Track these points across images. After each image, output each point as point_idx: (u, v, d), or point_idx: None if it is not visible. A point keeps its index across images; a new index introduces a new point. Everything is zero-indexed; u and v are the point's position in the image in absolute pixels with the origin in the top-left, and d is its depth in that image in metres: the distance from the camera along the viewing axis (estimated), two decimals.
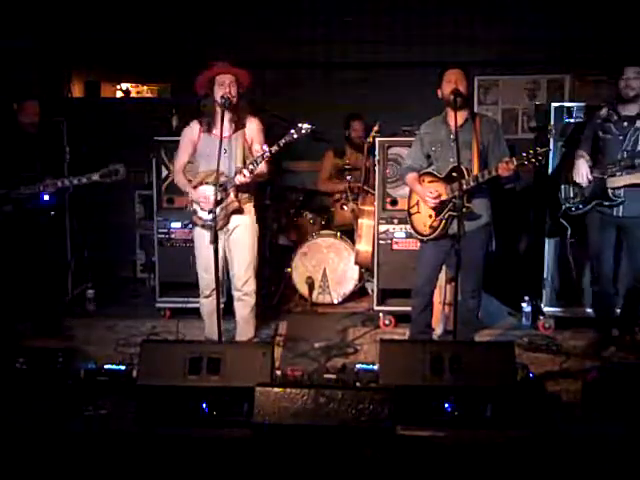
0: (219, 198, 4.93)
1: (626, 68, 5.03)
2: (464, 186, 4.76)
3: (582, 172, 5.14)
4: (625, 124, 5.07)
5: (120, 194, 7.58)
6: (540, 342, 5.80)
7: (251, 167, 4.96)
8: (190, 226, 5.35)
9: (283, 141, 4.90)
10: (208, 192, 4.99)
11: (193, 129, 5.24)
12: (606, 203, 5.16)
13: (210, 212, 4.78)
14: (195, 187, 5.17)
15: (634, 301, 5.45)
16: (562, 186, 5.43)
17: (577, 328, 5.96)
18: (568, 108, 5.96)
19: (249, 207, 5.27)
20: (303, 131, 4.85)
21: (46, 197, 5.80)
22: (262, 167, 5.09)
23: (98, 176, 5.40)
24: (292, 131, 4.86)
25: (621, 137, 5.09)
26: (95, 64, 8.31)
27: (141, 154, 6.78)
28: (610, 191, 5.11)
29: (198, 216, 5.15)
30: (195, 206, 5.19)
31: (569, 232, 5.55)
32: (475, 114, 5.15)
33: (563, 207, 5.43)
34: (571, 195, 5.37)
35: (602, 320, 5.55)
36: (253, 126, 5.22)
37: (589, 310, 5.86)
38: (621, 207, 5.12)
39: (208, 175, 5.06)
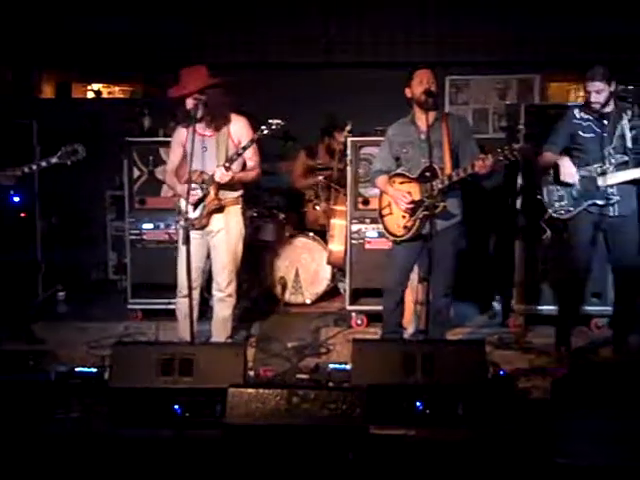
0: (201, 196, 5.02)
1: (588, 83, 4.96)
2: (439, 185, 4.80)
3: (571, 171, 5.03)
4: (606, 122, 5.00)
5: (91, 195, 7.55)
6: (510, 340, 5.85)
7: (227, 164, 4.98)
8: (177, 224, 5.37)
9: (254, 137, 4.97)
10: (192, 189, 4.99)
11: (181, 131, 5.27)
12: (600, 203, 5.03)
13: (194, 209, 4.81)
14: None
15: (626, 302, 5.29)
16: (545, 188, 5.26)
17: (546, 326, 6.01)
18: (538, 108, 6.03)
19: (236, 209, 5.28)
20: (273, 127, 4.87)
21: (16, 199, 5.76)
22: (253, 172, 5.22)
23: (56, 158, 5.30)
24: (263, 127, 4.89)
25: (605, 135, 5.01)
26: (66, 64, 8.25)
27: (113, 155, 6.75)
28: (602, 190, 5.00)
29: (183, 214, 5.15)
30: (181, 204, 5.19)
31: (547, 233, 5.50)
32: (443, 113, 5.16)
33: (550, 211, 5.24)
34: (556, 198, 5.20)
35: (569, 317, 5.52)
36: (239, 125, 5.21)
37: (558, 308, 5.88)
38: (615, 206, 5.03)
39: (192, 174, 5.07)
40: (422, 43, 7.69)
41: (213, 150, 5.14)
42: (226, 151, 5.13)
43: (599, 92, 4.94)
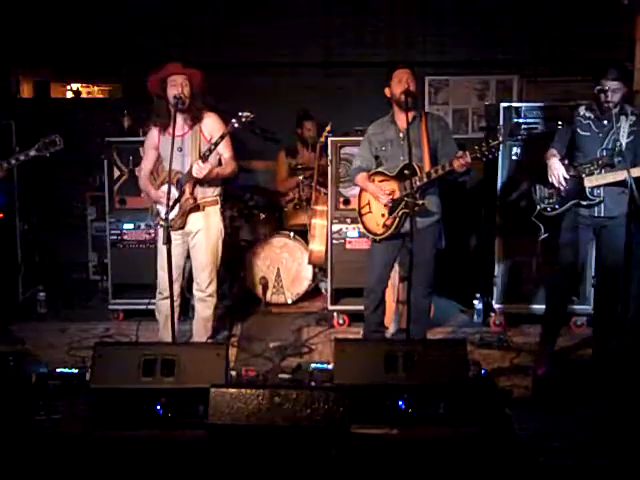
0: (176, 196, 4.99)
1: (605, 81, 4.81)
2: (417, 183, 4.82)
3: (557, 173, 5.00)
4: (605, 122, 4.94)
5: (71, 195, 7.51)
6: (491, 339, 5.88)
7: (203, 156, 4.99)
8: (156, 226, 5.41)
9: (226, 131, 4.97)
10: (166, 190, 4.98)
11: (153, 134, 5.26)
12: (584, 203, 5.01)
13: (166, 212, 4.80)
14: (158, 188, 5.23)
15: (607, 302, 5.22)
16: (537, 186, 5.26)
17: (527, 325, 6.05)
18: (516, 108, 6.06)
19: (215, 209, 5.30)
20: (244, 119, 4.87)
21: None
22: (229, 165, 5.22)
23: (35, 150, 5.25)
24: (233, 120, 4.89)
25: (601, 135, 4.96)
26: (44, 64, 8.19)
27: (93, 155, 6.72)
28: (588, 190, 4.96)
29: (160, 217, 5.16)
30: (158, 207, 5.23)
31: (542, 231, 5.45)
32: (422, 112, 5.18)
33: (538, 207, 5.24)
34: (546, 195, 5.20)
35: (554, 317, 5.47)
36: (210, 121, 5.22)
37: (539, 307, 5.91)
38: (601, 206, 4.99)
39: (167, 175, 5.06)
40: (404, 43, 7.70)
41: (188, 149, 5.14)
42: (199, 148, 5.14)
43: (615, 92, 4.83)
